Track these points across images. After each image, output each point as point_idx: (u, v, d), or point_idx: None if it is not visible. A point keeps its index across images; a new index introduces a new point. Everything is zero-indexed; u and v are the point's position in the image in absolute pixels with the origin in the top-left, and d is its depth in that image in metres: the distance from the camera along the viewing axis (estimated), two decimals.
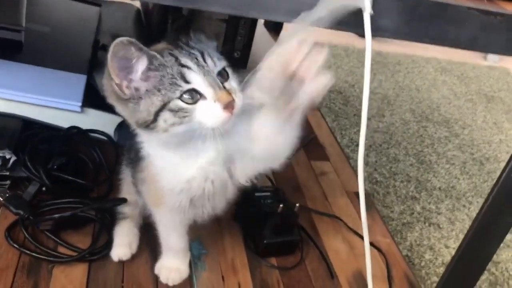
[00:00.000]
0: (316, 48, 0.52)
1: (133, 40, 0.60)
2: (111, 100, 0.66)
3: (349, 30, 0.53)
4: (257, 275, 0.91)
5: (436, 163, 1.86)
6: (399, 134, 1.99)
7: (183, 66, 0.64)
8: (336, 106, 2.09)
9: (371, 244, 1.05)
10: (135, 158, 0.80)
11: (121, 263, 0.86)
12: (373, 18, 0.53)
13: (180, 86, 0.63)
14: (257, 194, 0.98)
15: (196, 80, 0.63)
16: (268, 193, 0.99)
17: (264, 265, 0.93)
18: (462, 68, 2.81)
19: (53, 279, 0.81)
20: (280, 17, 0.50)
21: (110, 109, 0.67)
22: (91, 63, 1.15)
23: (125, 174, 0.94)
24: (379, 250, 1.05)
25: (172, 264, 0.86)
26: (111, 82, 0.63)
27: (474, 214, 1.62)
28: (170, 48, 0.66)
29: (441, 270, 1.37)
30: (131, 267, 0.86)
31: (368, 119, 2.19)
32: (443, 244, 1.47)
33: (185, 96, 0.63)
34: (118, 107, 0.67)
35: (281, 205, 0.92)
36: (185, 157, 0.71)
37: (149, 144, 0.73)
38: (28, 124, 1.01)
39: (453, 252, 1.44)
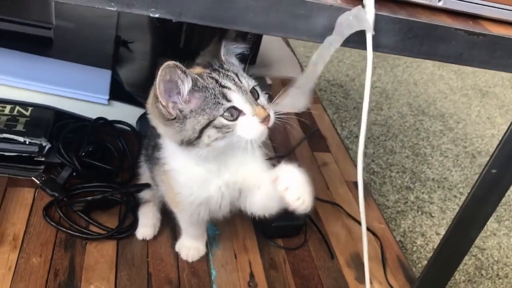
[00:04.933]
0: None
1: (178, 63, 0.68)
2: (156, 121, 0.74)
3: (355, 47, 0.63)
4: (265, 254, 1.02)
5: (431, 156, 1.97)
6: (396, 127, 2.09)
7: (223, 87, 0.72)
8: (337, 99, 2.19)
9: (368, 229, 1.16)
10: (153, 156, 0.89)
11: (145, 241, 0.97)
12: (374, 37, 0.63)
13: (222, 104, 0.71)
14: None
15: (236, 98, 0.72)
16: None
17: (272, 245, 1.04)
18: None
19: (87, 253, 0.92)
20: (299, 36, 0.60)
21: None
22: (114, 59, 1.25)
23: (144, 169, 1.03)
24: (374, 234, 1.15)
25: (191, 243, 0.96)
26: (157, 105, 0.71)
27: None
28: (208, 71, 0.75)
29: (431, 255, 1.48)
30: (154, 245, 0.97)
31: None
32: (434, 231, 1.58)
33: (226, 113, 0.72)
34: (163, 128, 0.75)
35: None
36: (209, 173, 0.80)
37: (175, 158, 0.81)
38: (59, 115, 1.11)
39: None
